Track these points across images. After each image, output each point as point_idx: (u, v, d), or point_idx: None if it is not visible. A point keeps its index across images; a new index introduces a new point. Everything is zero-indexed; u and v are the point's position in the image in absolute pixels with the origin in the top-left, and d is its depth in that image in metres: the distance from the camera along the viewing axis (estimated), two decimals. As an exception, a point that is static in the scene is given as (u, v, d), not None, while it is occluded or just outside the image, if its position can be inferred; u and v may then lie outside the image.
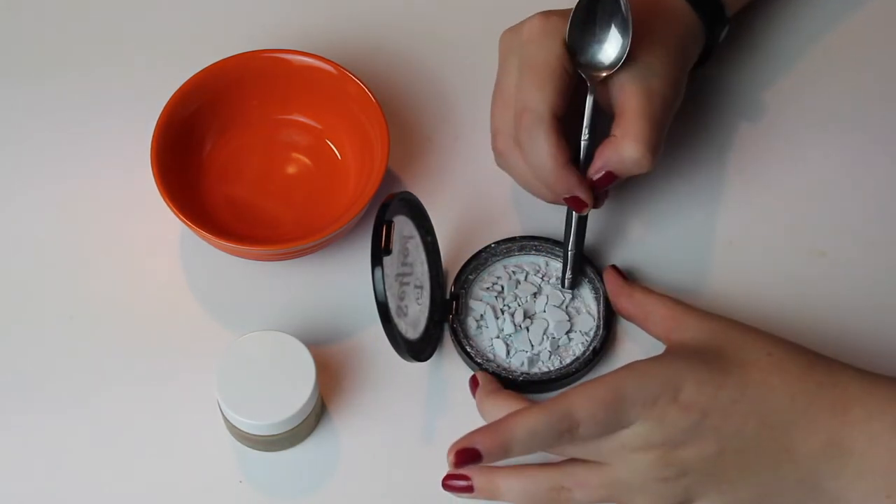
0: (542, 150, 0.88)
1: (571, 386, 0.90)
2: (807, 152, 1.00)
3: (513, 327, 0.93)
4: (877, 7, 1.05)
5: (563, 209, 0.93)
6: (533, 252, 0.96)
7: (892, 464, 0.82)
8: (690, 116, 1.00)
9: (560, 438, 0.83)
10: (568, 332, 0.93)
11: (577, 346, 0.93)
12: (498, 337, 0.93)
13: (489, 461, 0.83)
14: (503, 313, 0.93)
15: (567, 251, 0.93)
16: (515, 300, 0.94)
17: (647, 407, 0.82)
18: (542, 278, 0.95)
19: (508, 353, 0.92)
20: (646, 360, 0.85)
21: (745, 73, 1.02)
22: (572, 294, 0.94)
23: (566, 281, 0.94)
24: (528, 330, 0.93)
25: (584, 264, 0.94)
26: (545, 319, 0.93)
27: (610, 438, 0.83)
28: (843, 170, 0.99)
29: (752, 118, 1.01)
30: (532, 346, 0.92)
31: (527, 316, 0.93)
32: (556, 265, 0.95)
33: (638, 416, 0.82)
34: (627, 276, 0.94)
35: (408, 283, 0.90)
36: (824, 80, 1.02)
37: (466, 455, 0.83)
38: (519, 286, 0.94)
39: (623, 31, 0.88)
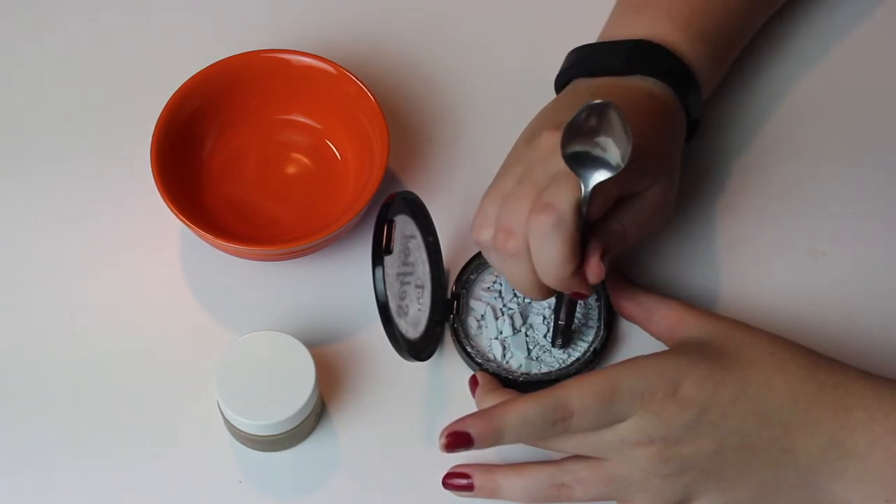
0: (560, 253, 0.82)
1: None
2: (807, 152, 1.00)
3: (511, 330, 0.93)
4: (876, 7, 1.05)
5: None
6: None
7: (893, 467, 0.82)
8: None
9: (553, 428, 0.83)
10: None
11: (577, 347, 0.93)
12: (496, 338, 0.93)
13: (480, 446, 0.83)
14: (502, 314, 0.93)
15: (557, 322, 0.91)
16: (514, 301, 0.94)
17: (645, 400, 0.82)
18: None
19: (505, 355, 0.92)
20: (646, 355, 0.85)
21: (745, 73, 1.02)
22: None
23: (555, 343, 0.92)
24: (526, 333, 0.93)
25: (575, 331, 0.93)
26: (544, 323, 0.93)
27: (608, 432, 0.83)
28: (843, 170, 0.99)
29: (752, 118, 1.01)
30: (529, 350, 0.92)
31: (525, 318, 0.93)
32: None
33: (635, 410, 0.82)
34: (628, 278, 0.94)
35: (409, 283, 0.90)
36: (825, 80, 1.02)
37: (458, 438, 0.83)
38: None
39: (623, 139, 0.80)
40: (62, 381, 0.92)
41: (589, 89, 0.91)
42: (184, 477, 0.90)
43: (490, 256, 0.87)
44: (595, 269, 0.83)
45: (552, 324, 0.92)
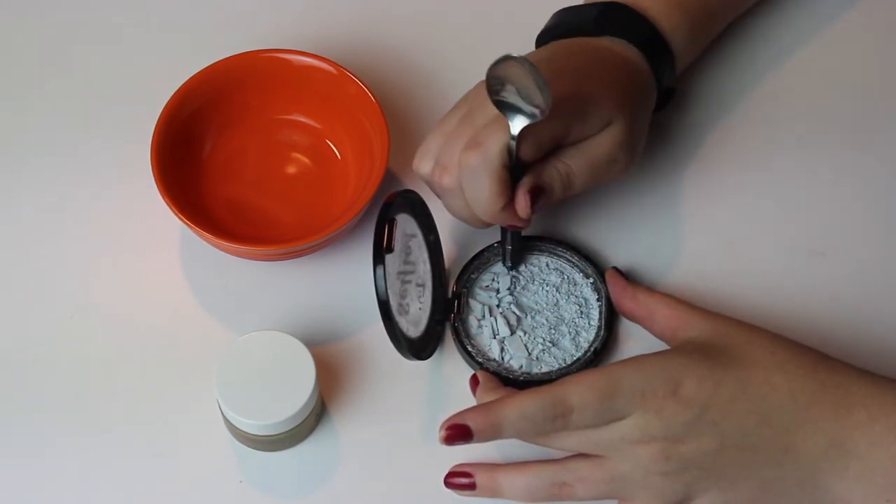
0: (487, 189, 0.86)
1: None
2: (807, 152, 1.00)
3: (508, 330, 0.93)
4: (878, 7, 1.05)
5: (576, 210, 0.94)
6: (535, 252, 0.95)
7: (894, 467, 0.82)
8: (689, 115, 1.00)
9: (553, 423, 0.83)
10: (568, 334, 0.93)
11: (578, 348, 0.93)
12: (494, 338, 0.93)
13: (480, 439, 0.84)
14: (499, 312, 0.93)
15: (505, 247, 0.94)
16: (514, 301, 0.94)
17: (646, 399, 0.82)
18: (543, 280, 0.95)
19: (503, 355, 0.92)
20: (647, 354, 0.85)
21: (743, 69, 1.02)
22: (574, 296, 0.94)
23: (506, 265, 0.95)
24: (524, 333, 0.93)
25: (537, 250, 0.95)
26: (544, 322, 0.93)
27: (608, 430, 0.83)
28: (842, 170, 0.99)
29: (753, 118, 1.01)
30: (528, 350, 0.92)
31: (522, 319, 0.93)
32: (557, 265, 0.95)
33: (635, 408, 0.83)
34: (629, 277, 0.94)
35: (409, 282, 0.90)
36: (825, 80, 1.02)
37: (457, 431, 0.84)
38: (518, 287, 0.94)
39: (535, 93, 0.83)
40: (62, 381, 0.92)
41: (558, 45, 0.93)
42: (184, 477, 0.90)
43: (431, 187, 0.91)
44: (522, 204, 0.87)
45: (502, 250, 0.94)
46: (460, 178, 0.87)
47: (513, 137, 0.85)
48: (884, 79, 1.03)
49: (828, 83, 1.02)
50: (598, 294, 0.94)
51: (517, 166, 0.87)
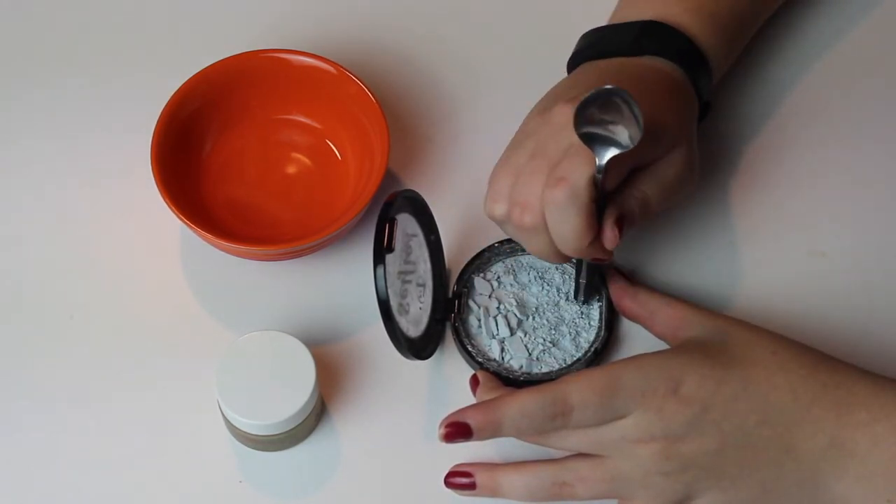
0: (577, 225, 0.83)
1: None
2: (807, 152, 1.00)
3: (508, 331, 0.93)
4: (880, 12, 1.05)
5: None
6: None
7: (895, 468, 0.82)
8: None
9: (553, 422, 0.83)
10: (568, 334, 0.93)
11: (578, 348, 0.93)
12: (493, 338, 0.93)
13: (479, 437, 0.84)
14: (498, 311, 0.93)
15: (578, 281, 0.92)
16: (513, 301, 0.94)
17: (646, 397, 0.82)
18: (543, 280, 0.95)
19: (503, 355, 0.92)
20: (648, 353, 0.85)
21: (746, 72, 1.02)
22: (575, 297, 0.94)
23: (577, 298, 0.94)
24: (524, 333, 0.93)
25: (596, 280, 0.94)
26: (545, 322, 0.93)
27: (609, 429, 0.83)
28: (843, 170, 0.99)
29: (752, 118, 1.01)
30: (528, 350, 0.92)
31: (521, 320, 0.93)
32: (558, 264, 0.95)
33: (635, 407, 0.83)
34: (630, 278, 0.94)
35: (410, 281, 0.90)
36: (825, 80, 1.02)
37: (457, 428, 0.84)
38: (518, 287, 0.94)
39: (632, 123, 0.81)
40: (62, 381, 0.92)
41: (599, 68, 0.91)
42: (184, 477, 0.90)
43: (506, 229, 0.88)
44: (609, 236, 0.84)
45: (573, 282, 0.93)
46: (546, 216, 0.84)
47: (598, 170, 0.82)
48: (884, 77, 1.03)
49: (828, 84, 1.02)
50: (598, 294, 0.94)
51: (601, 198, 0.84)
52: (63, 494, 0.89)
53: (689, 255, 0.97)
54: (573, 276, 0.94)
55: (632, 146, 0.81)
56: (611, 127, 0.81)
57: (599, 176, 0.82)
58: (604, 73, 0.90)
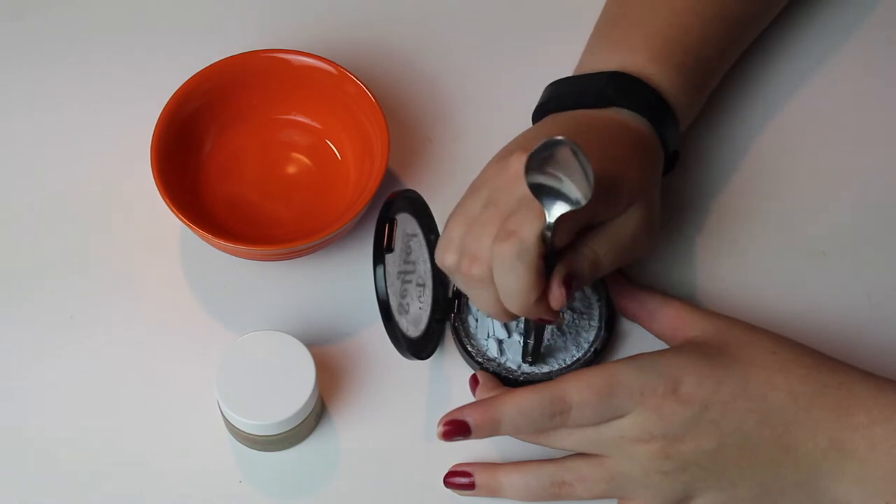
0: (523, 282, 0.80)
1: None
2: (807, 152, 1.00)
3: (505, 332, 0.93)
4: (880, 8, 1.05)
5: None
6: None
7: (893, 470, 0.82)
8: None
9: (551, 420, 0.83)
10: (568, 334, 0.93)
11: (578, 348, 0.93)
12: (489, 338, 0.93)
13: (478, 435, 0.84)
14: None
15: (526, 341, 0.90)
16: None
17: (645, 396, 0.82)
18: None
19: (503, 355, 0.92)
20: (648, 352, 0.86)
21: (744, 73, 1.02)
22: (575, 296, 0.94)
23: (525, 360, 0.91)
24: (521, 335, 0.92)
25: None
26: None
27: (608, 428, 0.83)
28: (843, 170, 0.99)
29: (752, 118, 1.01)
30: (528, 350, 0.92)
31: (521, 321, 0.93)
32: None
33: (634, 406, 0.83)
34: (630, 277, 0.94)
35: (410, 281, 0.90)
36: (826, 81, 1.02)
37: (456, 426, 0.84)
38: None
39: (581, 178, 0.78)
40: (61, 381, 0.92)
41: (561, 121, 0.89)
42: (184, 476, 0.90)
43: (455, 279, 0.85)
44: (557, 295, 0.82)
45: (522, 343, 0.91)
46: (492, 270, 0.81)
47: (547, 226, 0.79)
48: (884, 77, 1.03)
49: (828, 84, 1.02)
50: (598, 294, 0.94)
51: (550, 255, 0.81)
52: (63, 494, 0.89)
53: (689, 255, 0.97)
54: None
55: (582, 204, 0.78)
56: (564, 181, 0.78)
57: (548, 233, 0.79)
58: (566, 125, 0.88)
